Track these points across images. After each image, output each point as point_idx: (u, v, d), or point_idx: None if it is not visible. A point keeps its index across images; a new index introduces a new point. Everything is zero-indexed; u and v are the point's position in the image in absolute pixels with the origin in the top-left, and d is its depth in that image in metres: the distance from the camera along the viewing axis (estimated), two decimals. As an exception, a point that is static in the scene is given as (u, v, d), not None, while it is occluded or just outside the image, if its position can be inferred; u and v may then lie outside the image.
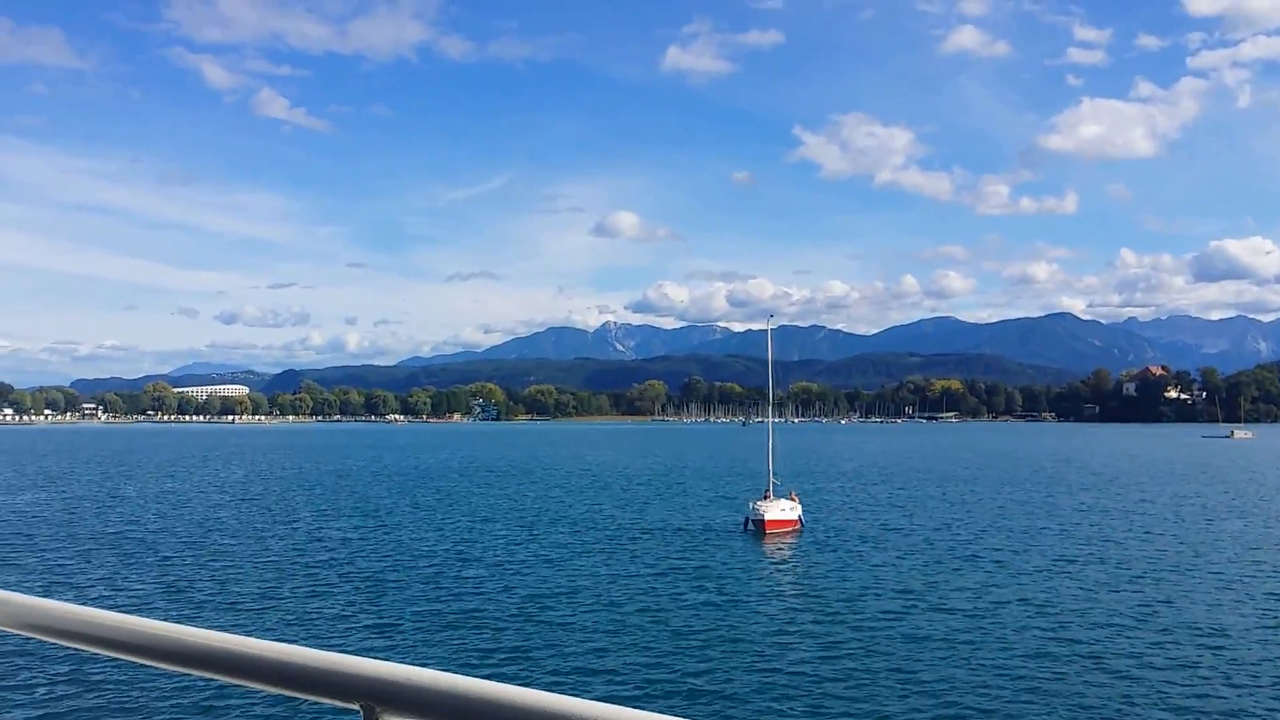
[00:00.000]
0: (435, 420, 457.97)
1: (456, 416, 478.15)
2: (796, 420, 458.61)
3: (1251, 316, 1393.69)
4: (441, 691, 1.52)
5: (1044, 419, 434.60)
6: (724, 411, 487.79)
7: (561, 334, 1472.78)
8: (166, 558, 35.91)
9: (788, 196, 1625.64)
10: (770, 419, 51.23)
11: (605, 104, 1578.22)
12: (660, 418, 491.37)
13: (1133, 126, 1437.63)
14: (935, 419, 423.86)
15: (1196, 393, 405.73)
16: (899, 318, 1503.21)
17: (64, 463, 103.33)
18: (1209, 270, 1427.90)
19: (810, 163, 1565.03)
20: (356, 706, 1.59)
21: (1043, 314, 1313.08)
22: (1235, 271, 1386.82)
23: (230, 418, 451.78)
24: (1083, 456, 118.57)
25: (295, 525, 46.42)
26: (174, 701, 18.21)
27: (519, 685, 1.49)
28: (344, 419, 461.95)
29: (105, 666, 19.54)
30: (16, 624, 2.05)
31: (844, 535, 42.89)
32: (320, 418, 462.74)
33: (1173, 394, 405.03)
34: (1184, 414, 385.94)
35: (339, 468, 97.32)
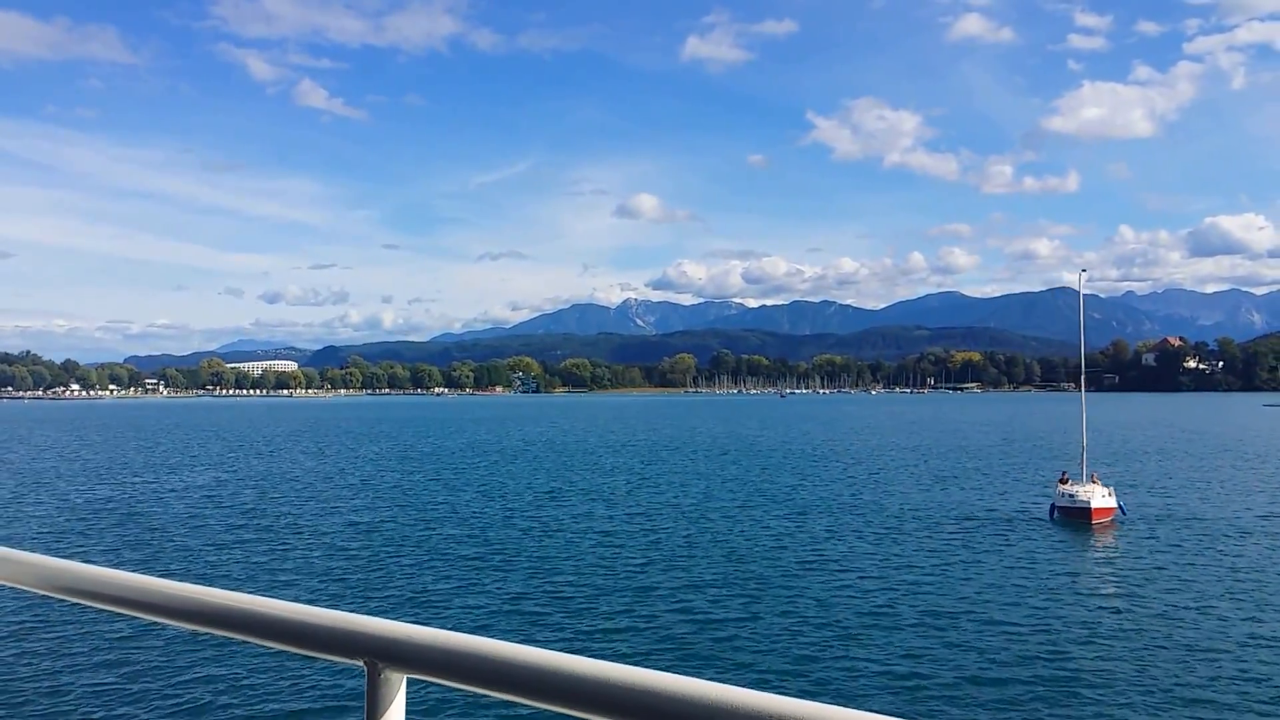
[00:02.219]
0: (479, 393, 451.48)
1: (498, 389, 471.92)
2: (824, 391, 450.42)
3: (1245, 290, 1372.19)
4: (439, 648, 1.49)
5: (1065, 389, 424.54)
6: (754, 383, 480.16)
7: (585, 310, 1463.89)
8: (431, 551, 29.12)
9: (801, 178, 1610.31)
10: (1082, 389, 43.72)
11: (627, 92, 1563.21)
12: (693, 389, 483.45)
13: (1132, 108, 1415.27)
14: (960, 389, 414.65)
15: (1213, 363, 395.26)
16: (906, 293, 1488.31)
17: (188, 438, 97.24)
18: (1204, 245, 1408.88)
19: (822, 145, 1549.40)
20: (360, 662, 1.57)
21: (1044, 288, 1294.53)
22: (1229, 246, 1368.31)
23: (285, 391, 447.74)
24: (1202, 427, 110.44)
25: (528, 514, 39.51)
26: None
27: (517, 643, 1.42)
28: (391, 392, 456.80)
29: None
30: (39, 584, 2.02)
31: (1172, 525, 35.67)
32: (370, 391, 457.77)
33: (1191, 364, 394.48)
34: (1203, 383, 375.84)
35: (469, 442, 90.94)
